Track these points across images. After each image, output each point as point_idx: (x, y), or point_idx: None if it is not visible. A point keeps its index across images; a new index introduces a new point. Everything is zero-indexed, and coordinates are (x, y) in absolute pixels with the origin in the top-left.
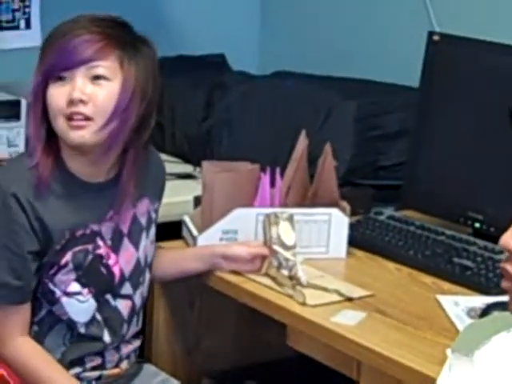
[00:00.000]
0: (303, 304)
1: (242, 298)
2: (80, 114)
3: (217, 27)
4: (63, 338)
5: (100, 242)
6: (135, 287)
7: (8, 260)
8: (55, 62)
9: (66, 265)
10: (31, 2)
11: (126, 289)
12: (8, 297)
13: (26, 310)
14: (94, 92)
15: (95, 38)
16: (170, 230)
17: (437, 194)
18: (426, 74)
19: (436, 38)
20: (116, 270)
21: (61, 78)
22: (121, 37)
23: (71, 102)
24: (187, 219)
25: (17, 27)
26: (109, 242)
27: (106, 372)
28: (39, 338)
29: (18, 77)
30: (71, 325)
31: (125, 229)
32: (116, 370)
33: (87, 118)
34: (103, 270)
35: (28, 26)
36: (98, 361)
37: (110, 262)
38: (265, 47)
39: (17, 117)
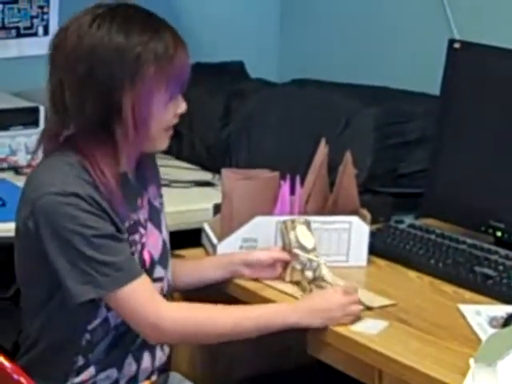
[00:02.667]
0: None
1: None
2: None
3: (236, 34)
4: (111, 345)
5: (142, 230)
6: (165, 268)
7: (105, 245)
8: (184, 80)
9: None
10: (49, 9)
11: (158, 272)
12: (127, 273)
13: (146, 276)
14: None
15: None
16: (189, 238)
17: (458, 202)
18: (447, 82)
19: (457, 45)
20: (146, 256)
21: (178, 92)
22: None
23: (178, 116)
24: (207, 227)
25: (35, 34)
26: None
27: None
28: (90, 346)
29: (37, 84)
30: (120, 327)
31: (146, 214)
32: (147, 383)
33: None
34: (136, 257)
35: (46, 32)
36: (133, 367)
37: (141, 246)
38: (284, 55)
39: (35, 124)
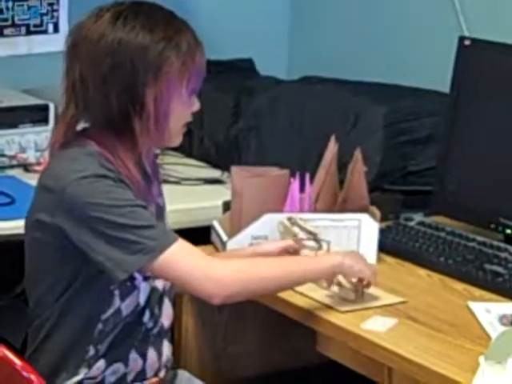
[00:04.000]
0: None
1: (272, 304)
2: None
3: (245, 32)
4: (116, 338)
5: None
6: None
7: (138, 212)
8: (201, 79)
9: None
10: (59, 6)
11: None
12: (171, 233)
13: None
14: None
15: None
16: (198, 235)
17: (467, 199)
18: (457, 79)
19: (467, 42)
20: None
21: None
22: None
23: (192, 113)
24: (216, 224)
25: (45, 31)
26: None
27: (146, 382)
28: (101, 337)
29: (46, 81)
30: (128, 318)
31: (154, 209)
32: (155, 379)
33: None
34: None
35: (56, 30)
36: (139, 363)
37: None
38: (293, 52)
39: (45, 121)
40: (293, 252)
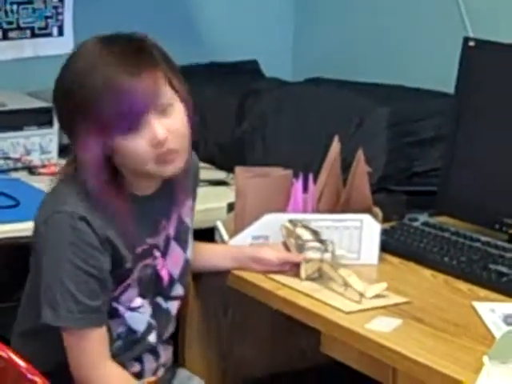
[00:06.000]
0: (362, 296)
1: (276, 304)
2: (168, 150)
3: (250, 33)
4: (117, 351)
5: (157, 253)
6: (185, 286)
7: (85, 283)
8: (119, 118)
9: (130, 283)
10: (64, 9)
11: (177, 290)
12: (89, 319)
13: (105, 331)
14: (169, 123)
15: (145, 76)
16: (203, 237)
17: (472, 200)
18: (462, 80)
19: (472, 43)
20: (164, 274)
21: (130, 129)
22: (150, 56)
23: (158, 144)
24: (220, 224)
25: (49, 34)
26: (162, 250)
27: (144, 380)
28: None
29: (51, 84)
30: (127, 336)
31: (172, 232)
32: (153, 378)
33: (174, 151)
34: (152, 274)
35: (61, 33)
36: (136, 367)
37: (158, 266)
38: (298, 53)
39: (49, 124)
40: (293, 265)
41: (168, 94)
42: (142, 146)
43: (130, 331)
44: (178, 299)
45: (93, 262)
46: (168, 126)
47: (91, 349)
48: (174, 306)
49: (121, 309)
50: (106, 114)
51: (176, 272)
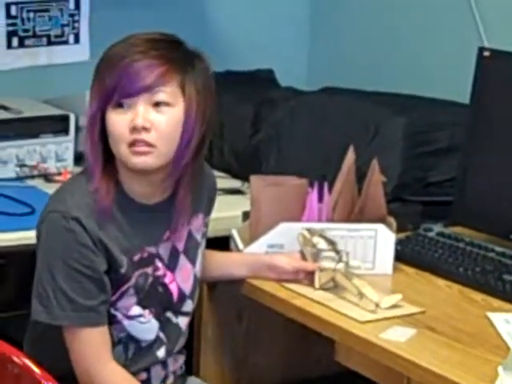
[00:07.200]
0: (377, 306)
1: (291, 313)
2: (143, 141)
3: (265, 42)
4: (119, 358)
5: (159, 264)
6: (194, 302)
7: (79, 282)
8: (116, 88)
9: (127, 290)
10: (80, 17)
11: (188, 306)
12: (85, 318)
13: (106, 332)
14: (157, 119)
15: (156, 63)
16: (219, 246)
17: (486, 210)
18: (477, 90)
19: (486, 53)
20: (173, 288)
21: (120, 105)
22: (180, 60)
23: (134, 129)
24: (235, 233)
25: (66, 42)
26: (166, 262)
27: None
28: None
29: (67, 91)
30: (129, 343)
31: (180, 246)
32: None
33: (150, 145)
34: (160, 289)
35: (77, 40)
36: (143, 376)
37: (167, 280)
38: (314, 62)
39: (65, 131)
40: (308, 274)
41: (172, 95)
42: (122, 124)
43: (133, 339)
44: (189, 315)
45: (86, 261)
46: (154, 121)
47: (92, 349)
48: (184, 322)
49: (118, 315)
50: (106, 82)
51: (187, 288)
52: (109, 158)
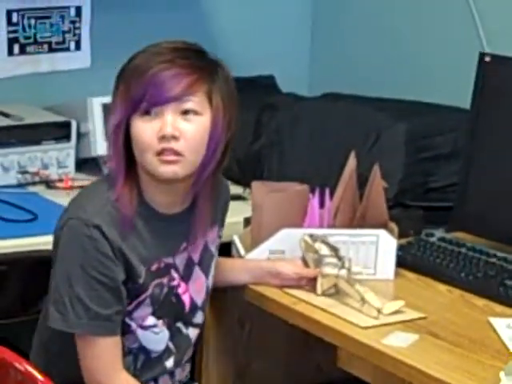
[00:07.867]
0: (379, 312)
1: (294, 319)
2: (171, 149)
3: (267, 48)
4: (128, 369)
5: (174, 274)
6: (205, 314)
7: (96, 290)
8: (143, 97)
9: (144, 300)
10: (81, 24)
11: (198, 317)
12: (101, 327)
13: (119, 342)
14: (185, 128)
15: (184, 72)
16: (220, 252)
17: (488, 215)
18: (478, 96)
19: (487, 59)
20: (186, 299)
21: (147, 112)
22: (207, 69)
23: (162, 138)
24: (236, 239)
25: (67, 49)
26: (181, 273)
27: None
28: None
29: (68, 98)
30: (139, 354)
31: (196, 258)
32: None
33: (178, 154)
34: (174, 299)
35: (78, 47)
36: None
37: (180, 291)
38: (315, 68)
39: (67, 138)
40: (310, 280)
41: (200, 104)
42: (150, 133)
43: (144, 350)
44: (199, 327)
45: (105, 270)
46: (182, 130)
47: (104, 358)
48: (194, 333)
49: (133, 325)
50: (133, 91)
51: (199, 299)
52: (130, 166)
